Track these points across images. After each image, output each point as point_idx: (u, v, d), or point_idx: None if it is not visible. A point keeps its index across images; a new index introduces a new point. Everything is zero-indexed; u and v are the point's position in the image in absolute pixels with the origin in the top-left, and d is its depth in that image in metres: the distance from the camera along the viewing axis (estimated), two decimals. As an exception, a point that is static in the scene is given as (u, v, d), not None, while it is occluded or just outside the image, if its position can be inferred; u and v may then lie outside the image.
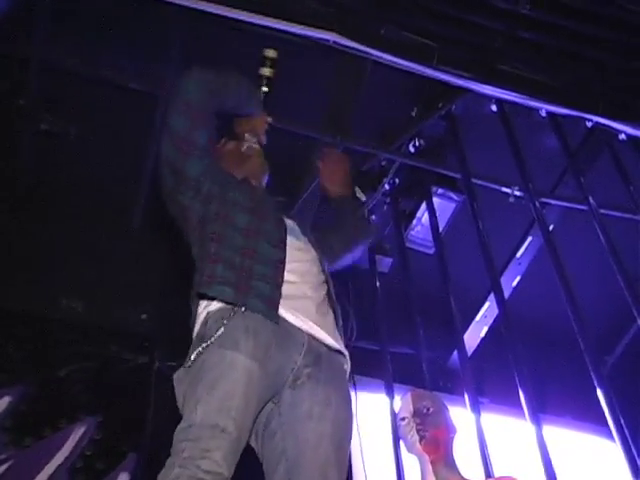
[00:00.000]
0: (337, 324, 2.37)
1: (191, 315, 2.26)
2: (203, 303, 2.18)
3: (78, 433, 3.83)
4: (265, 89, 2.73)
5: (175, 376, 2.12)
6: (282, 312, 2.14)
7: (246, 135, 2.69)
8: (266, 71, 2.75)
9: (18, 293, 4.19)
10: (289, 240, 2.36)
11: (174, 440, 1.92)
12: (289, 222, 2.51)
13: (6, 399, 3.82)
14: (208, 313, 2.13)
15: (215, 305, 2.13)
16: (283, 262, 2.25)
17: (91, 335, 4.14)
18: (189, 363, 2.06)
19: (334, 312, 2.40)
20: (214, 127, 2.46)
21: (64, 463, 3.74)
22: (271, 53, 2.75)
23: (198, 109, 2.37)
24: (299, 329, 2.16)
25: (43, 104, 4.09)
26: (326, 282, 2.44)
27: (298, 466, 2.02)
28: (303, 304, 2.23)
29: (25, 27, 3.74)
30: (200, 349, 2.04)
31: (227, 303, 2.10)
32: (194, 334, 2.17)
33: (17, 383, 3.89)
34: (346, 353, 2.30)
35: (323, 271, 2.45)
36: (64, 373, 3.96)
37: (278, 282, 2.18)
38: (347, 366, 2.31)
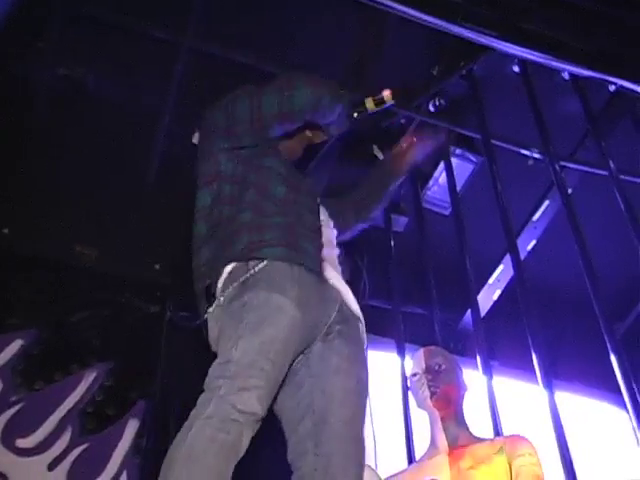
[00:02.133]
0: None
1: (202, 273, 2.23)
2: (245, 266, 2.13)
3: (89, 378, 3.86)
4: (355, 115, 2.65)
5: (209, 317, 2.12)
6: (325, 269, 2.20)
7: (307, 131, 2.62)
8: (370, 105, 2.64)
9: (33, 239, 4.19)
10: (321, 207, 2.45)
11: (209, 376, 1.92)
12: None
13: (18, 342, 3.85)
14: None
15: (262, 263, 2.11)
16: (320, 228, 2.32)
17: (104, 282, 4.16)
18: (222, 301, 2.07)
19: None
20: (292, 129, 2.46)
21: (75, 407, 3.78)
22: (388, 97, 2.65)
23: (295, 114, 2.35)
24: (335, 289, 2.21)
25: (63, 49, 4.06)
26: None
27: (325, 421, 2.04)
28: (335, 268, 2.31)
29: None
30: (239, 288, 2.05)
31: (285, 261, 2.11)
32: (223, 277, 2.13)
33: (30, 327, 3.92)
34: (363, 321, 2.33)
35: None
36: (76, 319, 3.99)
37: (320, 245, 2.25)
38: (364, 333, 2.34)
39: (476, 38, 3.92)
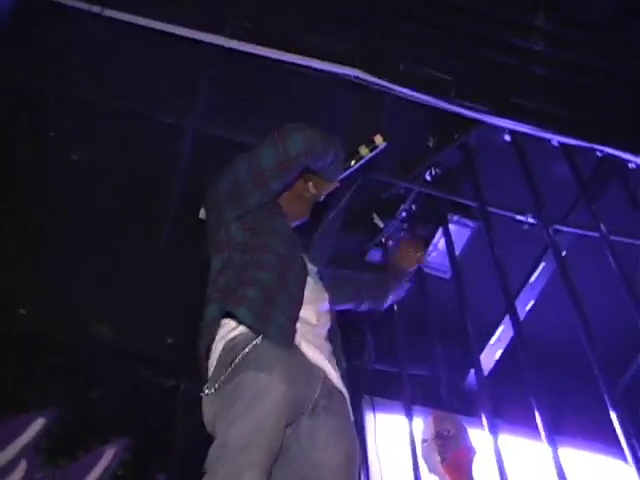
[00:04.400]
0: (339, 366, 2.44)
1: (203, 334, 2.34)
2: (225, 326, 2.26)
3: (110, 454, 3.97)
4: (352, 163, 2.81)
5: (204, 400, 2.20)
6: (303, 347, 2.27)
7: (310, 184, 2.76)
8: (364, 151, 2.82)
9: (50, 318, 4.34)
10: (310, 280, 2.50)
11: (208, 459, 1.99)
12: (309, 265, 2.63)
13: (40, 421, 3.97)
14: (233, 338, 2.22)
15: (239, 330, 2.23)
16: (301, 301, 2.37)
17: (120, 359, 4.28)
18: (216, 386, 2.14)
19: (336, 353, 2.49)
20: (293, 178, 2.60)
21: (98, 483, 3.89)
22: (379, 139, 2.82)
23: (291, 161, 2.48)
24: (316, 365, 2.28)
25: (74, 135, 4.26)
26: (333, 323, 2.56)
27: None
28: (319, 344, 2.37)
29: (59, 64, 3.91)
30: (230, 372, 2.13)
31: (248, 327, 2.21)
32: (215, 357, 2.24)
33: (50, 406, 4.05)
34: (347, 396, 2.39)
35: (332, 313, 2.58)
36: (95, 396, 4.11)
37: (294, 317, 2.30)
38: (349, 406, 2.39)
39: (468, 113, 4.12)
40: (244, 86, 4.15)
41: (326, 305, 2.55)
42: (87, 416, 4.05)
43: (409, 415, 4.25)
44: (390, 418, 4.62)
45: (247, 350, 2.14)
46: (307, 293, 2.42)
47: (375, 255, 5.00)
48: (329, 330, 2.51)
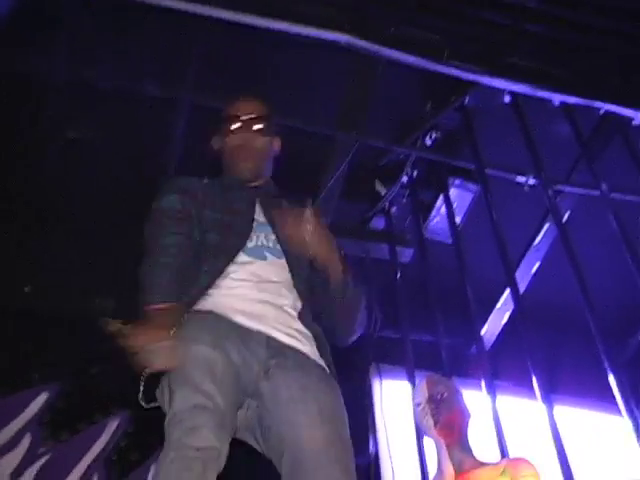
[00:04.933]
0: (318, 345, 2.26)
1: None
2: None
3: (112, 426, 4.01)
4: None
5: (157, 393, 2.17)
6: (233, 317, 2.17)
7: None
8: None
9: (54, 294, 4.38)
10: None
11: (165, 434, 1.97)
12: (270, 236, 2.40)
13: (43, 396, 4.02)
14: None
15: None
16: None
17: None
18: None
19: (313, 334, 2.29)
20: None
21: (100, 455, 3.93)
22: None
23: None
24: (257, 331, 2.17)
25: (68, 115, 4.27)
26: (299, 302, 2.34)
27: (301, 449, 2.03)
28: (260, 309, 2.23)
29: (44, 46, 3.92)
30: None
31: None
32: None
33: (53, 381, 4.09)
34: (301, 348, 2.22)
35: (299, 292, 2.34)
36: (97, 370, 4.14)
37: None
38: (313, 361, 2.21)
39: (462, 75, 4.07)
40: (235, 57, 4.13)
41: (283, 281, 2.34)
42: (90, 390, 4.08)
43: (412, 380, 4.26)
44: (395, 384, 4.63)
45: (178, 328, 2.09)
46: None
47: (379, 223, 4.99)
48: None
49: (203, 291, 2.22)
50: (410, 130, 4.55)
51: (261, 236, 2.35)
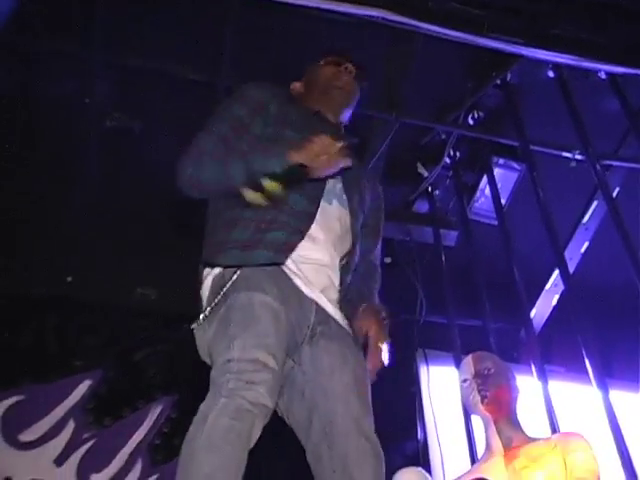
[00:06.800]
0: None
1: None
2: (222, 277, 2.13)
3: (155, 412, 4.02)
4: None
5: (196, 332, 2.14)
6: (293, 278, 2.14)
7: None
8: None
9: (96, 284, 4.38)
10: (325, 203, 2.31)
11: (213, 378, 1.92)
12: (337, 185, 2.37)
13: (87, 383, 4.05)
14: (221, 271, 2.13)
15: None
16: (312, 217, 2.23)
17: (165, 321, 4.30)
18: (207, 312, 2.07)
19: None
20: None
21: (143, 440, 3.94)
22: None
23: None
24: (308, 296, 2.15)
25: (107, 102, 4.26)
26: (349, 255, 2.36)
27: (332, 421, 2.04)
28: (318, 271, 2.22)
29: (85, 30, 3.91)
30: (220, 297, 2.05)
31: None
32: (205, 292, 2.16)
33: (96, 368, 4.12)
34: (343, 320, 2.24)
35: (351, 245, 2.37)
36: (139, 357, 4.15)
37: (301, 230, 2.19)
38: (349, 334, 2.24)
39: (504, 47, 3.95)
40: (271, 37, 4.08)
41: (343, 233, 2.34)
42: (133, 376, 4.11)
43: (459, 366, 4.16)
44: (442, 370, 4.54)
45: (236, 277, 2.07)
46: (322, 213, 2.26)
47: (422, 206, 4.90)
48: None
49: None
50: (451, 110, 4.46)
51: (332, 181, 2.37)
